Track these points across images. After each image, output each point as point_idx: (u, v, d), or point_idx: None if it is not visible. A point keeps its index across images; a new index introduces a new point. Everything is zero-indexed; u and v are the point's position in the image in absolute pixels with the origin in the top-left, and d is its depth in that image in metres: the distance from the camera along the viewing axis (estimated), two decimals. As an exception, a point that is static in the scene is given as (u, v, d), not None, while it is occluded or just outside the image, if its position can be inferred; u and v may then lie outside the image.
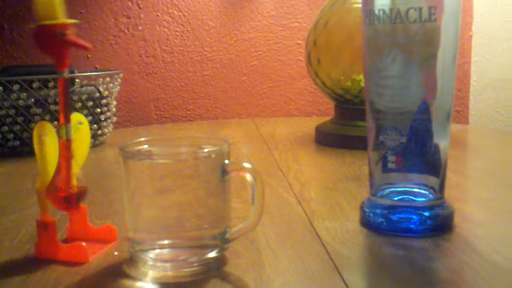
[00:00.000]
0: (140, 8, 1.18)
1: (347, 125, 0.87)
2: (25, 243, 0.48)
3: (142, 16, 1.18)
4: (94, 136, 0.91)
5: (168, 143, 0.45)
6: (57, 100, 0.85)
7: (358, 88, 0.85)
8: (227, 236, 0.42)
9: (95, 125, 0.91)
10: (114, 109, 0.97)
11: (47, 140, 0.43)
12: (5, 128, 0.84)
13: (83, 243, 0.43)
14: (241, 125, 1.13)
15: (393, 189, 0.49)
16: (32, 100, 0.84)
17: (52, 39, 0.42)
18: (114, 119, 0.98)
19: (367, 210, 0.49)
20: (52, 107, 0.85)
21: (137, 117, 1.21)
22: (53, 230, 0.43)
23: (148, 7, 1.18)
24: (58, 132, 0.44)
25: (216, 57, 1.22)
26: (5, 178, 0.75)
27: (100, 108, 0.92)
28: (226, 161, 0.40)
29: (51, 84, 0.85)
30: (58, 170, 0.43)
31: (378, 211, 0.48)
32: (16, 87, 0.83)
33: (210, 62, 1.22)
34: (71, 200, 0.44)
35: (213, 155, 0.41)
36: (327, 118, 0.96)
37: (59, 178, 0.43)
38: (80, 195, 0.44)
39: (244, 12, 1.21)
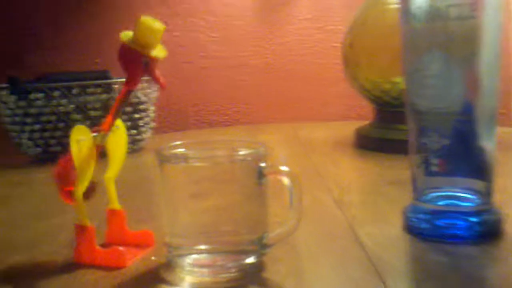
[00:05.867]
0: (176, 14, 1.18)
1: (387, 128, 0.85)
2: (64, 247, 0.48)
3: (178, 22, 1.18)
4: (133, 141, 0.92)
5: (204, 147, 0.44)
6: (96, 106, 0.86)
7: (397, 90, 0.83)
8: (265, 241, 0.41)
9: (134, 130, 0.91)
10: (152, 115, 0.98)
11: (85, 144, 0.42)
12: (47, 134, 0.86)
13: (121, 248, 0.43)
14: (278, 130, 1.11)
15: (437, 193, 0.47)
16: (72, 106, 0.85)
17: (135, 64, 0.42)
18: (153, 124, 0.99)
19: (410, 215, 0.48)
20: (92, 113, 0.86)
21: (176, 123, 1.21)
22: (91, 235, 0.43)
23: (185, 14, 1.18)
24: (95, 137, 0.44)
25: (252, 62, 1.21)
26: (46, 183, 0.75)
27: (139, 114, 0.92)
28: (263, 164, 0.39)
29: (90, 90, 0.86)
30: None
31: (422, 216, 0.46)
32: (56, 93, 0.84)
33: (247, 67, 1.21)
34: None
35: (249, 158, 0.40)
36: (366, 122, 0.94)
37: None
38: (91, 190, 0.44)
39: (280, 16, 1.20)
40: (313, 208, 0.56)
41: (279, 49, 1.21)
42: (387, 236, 0.47)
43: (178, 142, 0.43)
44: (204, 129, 1.20)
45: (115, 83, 0.90)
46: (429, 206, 0.46)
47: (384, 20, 0.82)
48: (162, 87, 0.43)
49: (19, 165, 0.90)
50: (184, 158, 0.41)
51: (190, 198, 0.40)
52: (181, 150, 0.43)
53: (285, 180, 0.39)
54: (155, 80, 0.43)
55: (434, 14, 0.43)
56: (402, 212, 0.49)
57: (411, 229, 0.47)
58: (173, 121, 1.21)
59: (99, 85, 0.87)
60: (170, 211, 0.41)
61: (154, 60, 0.42)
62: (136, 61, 0.42)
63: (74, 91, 0.85)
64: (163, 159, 0.40)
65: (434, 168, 0.46)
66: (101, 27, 1.17)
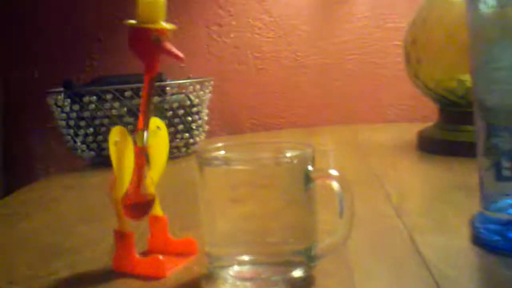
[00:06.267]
0: (231, 15, 1.17)
1: (453, 130, 0.79)
2: (105, 254, 0.46)
3: (233, 23, 1.17)
4: (186, 145, 0.90)
5: (247, 149, 0.41)
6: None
7: (464, 88, 0.77)
8: (313, 252, 0.37)
9: (187, 134, 0.90)
10: (206, 118, 0.96)
11: (123, 146, 0.41)
12: (100, 137, 0.85)
13: (160, 257, 0.41)
14: (336, 132, 1.08)
15: (510, 201, 0.42)
16: (125, 109, 0.85)
17: (146, 43, 0.40)
18: (206, 127, 0.97)
19: (478, 225, 0.43)
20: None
21: (231, 126, 1.20)
22: (130, 242, 0.41)
23: (239, 14, 1.17)
24: (134, 138, 0.42)
25: (309, 62, 1.18)
26: (98, 187, 0.75)
27: (191, 117, 0.91)
28: (310, 168, 0.36)
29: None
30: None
31: (491, 227, 0.41)
32: (109, 96, 0.84)
33: (303, 68, 1.18)
34: (137, 208, 0.42)
35: (295, 161, 0.36)
36: (430, 123, 0.88)
37: (130, 185, 0.41)
38: (148, 204, 0.42)
39: (338, 14, 1.17)
40: (369, 216, 0.52)
41: (337, 49, 1.17)
42: (452, 248, 0.42)
43: (220, 144, 0.40)
44: (260, 133, 1.18)
45: (169, 85, 0.88)
46: (501, 216, 0.41)
47: (448, 13, 0.77)
48: (179, 60, 0.41)
49: (73, 169, 0.90)
50: (225, 160, 0.39)
51: (231, 203, 0.37)
52: (222, 152, 0.40)
53: (335, 185, 0.35)
54: (170, 54, 0.40)
55: None
56: (470, 222, 0.44)
57: (480, 241, 0.42)
58: (227, 124, 1.20)
59: (151, 88, 0.86)
60: (209, 218, 0.38)
61: (163, 33, 0.40)
62: (145, 40, 0.40)
63: (127, 94, 0.84)
64: (202, 162, 0.37)
65: (505, 172, 0.41)
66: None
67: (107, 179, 0.40)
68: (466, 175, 0.65)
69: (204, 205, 0.38)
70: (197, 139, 0.93)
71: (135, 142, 0.42)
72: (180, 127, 0.89)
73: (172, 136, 0.88)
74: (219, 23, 1.17)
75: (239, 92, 1.19)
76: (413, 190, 0.62)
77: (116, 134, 0.41)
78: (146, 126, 0.42)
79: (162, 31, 0.40)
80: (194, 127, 0.92)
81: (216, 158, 0.39)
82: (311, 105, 1.19)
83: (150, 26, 0.39)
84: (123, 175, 0.41)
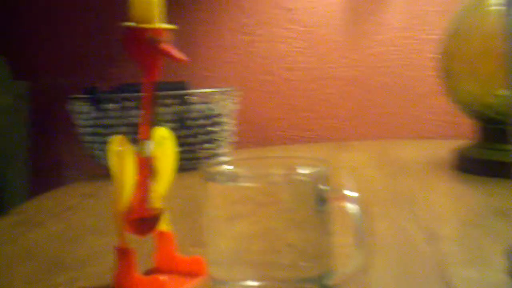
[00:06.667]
0: (258, 24, 1.14)
1: (492, 149, 0.74)
2: (109, 270, 0.43)
3: (260, 32, 1.14)
4: (209, 157, 0.87)
5: (256, 164, 0.37)
6: (170, 118, 0.83)
7: (503, 104, 0.71)
8: (327, 281, 0.33)
9: (209, 144, 0.87)
10: (231, 129, 0.93)
11: (124, 156, 0.38)
12: (120, 146, 0.83)
13: (162, 278, 0.38)
14: (366, 148, 1.04)
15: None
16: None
17: (141, 45, 0.37)
18: (232, 139, 0.94)
19: (518, 257, 0.38)
20: (165, 125, 0.82)
21: (257, 138, 1.17)
22: (131, 259, 0.38)
23: (267, 23, 1.14)
24: (137, 148, 0.39)
25: (340, 74, 1.15)
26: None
27: (214, 127, 0.88)
28: (322, 187, 0.32)
29: (164, 101, 0.83)
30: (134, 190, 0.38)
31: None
32: (130, 104, 0.82)
33: (333, 80, 1.15)
34: (143, 224, 0.39)
35: (307, 179, 0.32)
36: (466, 141, 0.83)
37: (134, 199, 0.38)
38: (154, 220, 0.39)
39: (370, 25, 1.13)
40: (396, 240, 0.48)
41: (368, 60, 1.13)
42: (488, 282, 0.38)
43: (227, 158, 0.36)
44: (287, 146, 1.14)
45: (192, 94, 0.86)
46: (545, 247, 0.36)
47: (485, 24, 0.73)
48: (178, 61, 0.37)
49: (95, 176, 0.88)
50: (230, 176, 0.35)
51: (235, 224, 0.33)
52: (229, 167, 0.36)
53: (350, 208, 0.31)
54: (168, 55, 0.37)
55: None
56: (507, 252, 0.39)
57: (520, 275, 0.37)
58: (254, 136, 1.17)
59: (174, 96, 0.83)
60: (212, 237, 0.34)
61: (159, 33, 0.37)
62: (140, 40, 0.36)
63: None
64: (207, 177, 0.34)
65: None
66: (189, 41, 1.15)
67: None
68: (506, 199, 0.60)
69: (207, 222, 0.35)
70: (221, 150, 0.91)
71: (138, 153, 0.39)
72: (203, 137, 0.86)
73: (195, 147, 0.85)
74: (245, 32, 1.14)
75: (267, 103, 1.16)
76: (446, 213, 0.57)
77: (116, 143, 0.38)
78: (149, 135, 0.39)
79: (158, 31, 0.37)
80: (217, 138, 0.89)
81: (222, 173, 0.36)
82: (341, 118, 1.15)
83: (144, 25, 0.36)
84: (124, 188, 0.38)
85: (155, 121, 0.39)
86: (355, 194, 0.32)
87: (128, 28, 0.37)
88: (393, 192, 0.67)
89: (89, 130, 0.85)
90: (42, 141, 1.18)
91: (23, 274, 0.44)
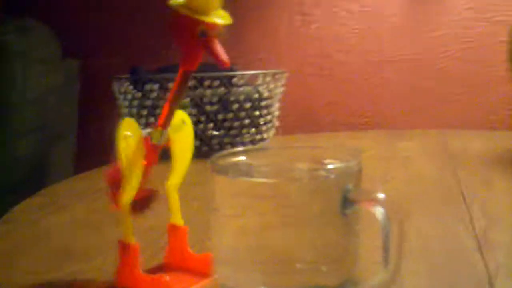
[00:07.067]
0: (316, 4, 1.09)
1: None
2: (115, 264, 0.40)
3: (318, 13, 1.09)
4: (252, 141, 0.83)
5: (277, 156, 0.33)
6: (213, 100, 0.80)
7: None
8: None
9: (253, 129, 0.83)
10: (277, 113, 0.89)
11: (133, 142, 0.34)
12: (161, 128, 0.81)
13: (167, 278, 0.34)
14: (425, 137, 0.97)
15: None
16: (187, 99, 0.79)
17: (189, 34, 0.33)
18: (277, 123, 0.90)
19: None
20: (208, 108, 0.79)
21: (308, 123, 1.12)
22: (134, 255, 0.35)
23: (325, 3, 1.10)
24: (151, 134, 0.35)
25: (399, 58, 1.09)
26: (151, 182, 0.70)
27: (260, 111, 0.84)
28: (349, 186, 0.27)
29: (206, 83, 0.79)
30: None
31: None
32: (171, 85, 0.79)
33: (392, 63, 1.09)
34: (135, 204, 0.35)
35: (331, 176, 0.28)
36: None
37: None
38: (145, 200, 0.35)
39: (434, 5, 1.06)
40: (442, 245, 0.42)
41: (432, 44, 1.06)
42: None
43: (241, 149, 0.32)
44: (340, 132, 1.09)
45: (237, 76, 0.82)
46: None
47: None
48: (222, 65, 0.33)
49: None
50: (243, 170, 0.31)
51: (245, 221, 0.29)
52: (243, 158, 0.32)
53: (379, 213, 0.26)
54: (213, 55, 0.33)
55: None
56: None
57: None
58: (305, 121, 1.12)
59: (217, 78, 0.80)
60: (220, 238, 0.30)
61: (212, 28, 0.32)
62: (189, 30, 0.32)
63: (190, 83, 0.78)
64: (216, 170, 0.30)
65: None
66: (242, 23, 1.11)
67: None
68: None
69: (215, 220, 0.31)
70: (265, 135, 0.86)
71: (150, 140, 0.35)
72: (246, 121, 0.82)
73: (238, 131, 0.81)
74: (302, 11, 1.10)
75: (319, 87, 1.12)
76: (506, 217, 0.50)
77: (126, 127, 0.34)
78: (167, 124, 0.35)
79: (212, 26, 0.32)
80: (262, 122, 0.85)
81: (233, 166, 0.32)
82: (398, 105, 1.10)
83: (199, 17, 0.32)
84: (132, 175, 0.34)
85: (177, 108, 0.36)
86: (384, 196, 0.27)
87: (181, 15, 0.32)
88: (448, 188, 0.61)
89: (133, 110, 0.83)
90: (89, 121, 1.19)
91: (30, 262, 0.42)
